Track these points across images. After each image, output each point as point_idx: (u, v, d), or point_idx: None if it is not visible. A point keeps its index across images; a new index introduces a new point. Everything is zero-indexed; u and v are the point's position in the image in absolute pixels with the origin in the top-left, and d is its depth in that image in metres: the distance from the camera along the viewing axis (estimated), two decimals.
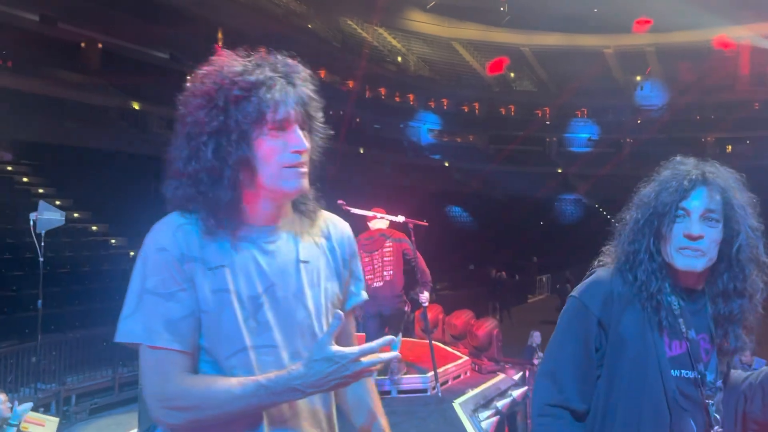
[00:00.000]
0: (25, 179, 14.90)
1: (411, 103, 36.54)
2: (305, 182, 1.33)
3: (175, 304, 1.28)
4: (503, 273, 19.30)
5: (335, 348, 1.23)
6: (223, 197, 1.30)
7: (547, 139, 38.71)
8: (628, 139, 36.56)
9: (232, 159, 1.29)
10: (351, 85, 31.87)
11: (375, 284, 5.36)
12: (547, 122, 38.49)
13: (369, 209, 5.58)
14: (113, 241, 14.71)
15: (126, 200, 15.91)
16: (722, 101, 33.26)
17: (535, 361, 9.12)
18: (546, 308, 18.58)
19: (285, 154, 1.30)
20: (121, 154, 18.09)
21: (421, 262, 5.46)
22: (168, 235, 1.31)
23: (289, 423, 1.35)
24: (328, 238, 1.47)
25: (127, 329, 1.28)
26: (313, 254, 1.41)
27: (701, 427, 1.47)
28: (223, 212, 1.31)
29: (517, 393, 5.79)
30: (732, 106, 32.77)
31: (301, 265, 1.38)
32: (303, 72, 1.36)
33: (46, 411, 7.81)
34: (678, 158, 1.58)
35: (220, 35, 26.78)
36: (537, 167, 35.63)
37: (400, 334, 1.83)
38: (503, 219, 25.98)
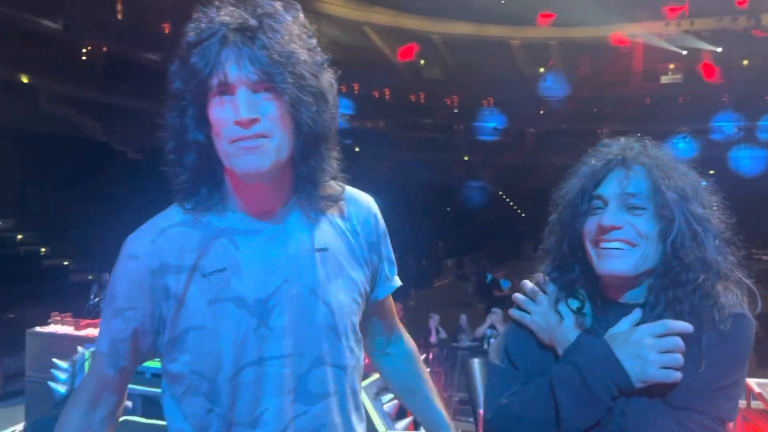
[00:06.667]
0: None
1: None
2: (262, 159, 1.05)
3: (119, 322, 1.15)
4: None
5: None
6: (193, 178, 1.11)
7: (455, 127, 39.51)
8: (530, 129, 37.96)
9: (188, 131, 1.09)
10: None
11: None
12: (455, 110, 39.27)
13: None
14: None
15: (12, 180, 14.86)
16: (617, 95, 35.12)
17: (432, 340, 9.37)
18: (450, 292, 19.07)
19: (229, 125, 1.05)
20: (7, 130, 16.83)
21: None
22: (145, 242, 1.15)
23: None
24: (348, 218, 1.24)
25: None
26: (332, 240, 1.19)
27: None
28: (202, 197, 1.13)
29: None
30: (626, 101, 34.70)
31: (318, 254, 1.17)
32: (279, 20, 1.06)
33: None
34: (606, 140, 1.30)
35: (119, 6, 25.37)
36: (444, 154, 36.32)
37: None
38: (410, 204, 26.35)
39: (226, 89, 1.04)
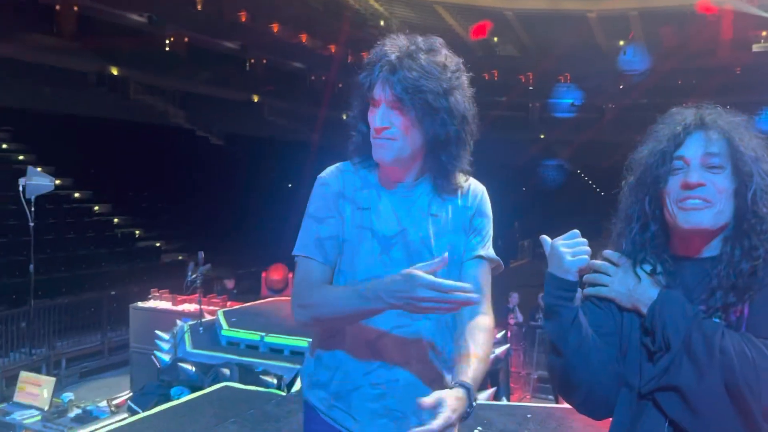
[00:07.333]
0: (4, 146, 14.71)
1: None
2: (387, 154, 1.52)
3: (324, 226, 1.59)
4: None
5: (416, 271, 1.34)
6: (357, 149, 1.62)
7: (530, 105, 38.70)
8: (610, 105, 36.69)
9: (357, 123, 1.61)
10: (333, 50, 31.48)
11: None
12: (530, 88, 38.42)
13: None
14: (96, 208, 14.65)
15: (108, 167, 15.79)
16: (704, 66, 33.38)
17: (511, 321, 9.37)
18: (527, 272, 18.86)
19: (373, 127, 1.54)
20: (101, 120, 17.87)
21: None
22: (333, 175, 1.64)
23: (399, 363, 1.55)
24: (464, 198, 1.65)
25: (295, 245, 1.62)
26: (444, 210, 1.61)
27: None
28: (362, 159, 1.61)
29: (499, 350, 5.99)
30: (713, 72, 32.91)
31: (431, 218, 1.59)
32: (415, 57, 1.49)
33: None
34: (674, 109, 1.41)
35: None
36: (520, 133, 35.70)
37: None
38: (486, 184, 26.05)
39: (374, 103, 1.53)
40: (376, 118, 1.51)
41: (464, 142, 1.58)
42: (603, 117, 36.25)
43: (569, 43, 33.72)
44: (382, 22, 35.71)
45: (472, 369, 1.45)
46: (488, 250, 1.66)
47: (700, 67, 33.61)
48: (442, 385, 1.53)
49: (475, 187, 1.68)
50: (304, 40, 30.59)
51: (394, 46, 1.52)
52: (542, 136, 36.34)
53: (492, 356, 5.88)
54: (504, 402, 5.56)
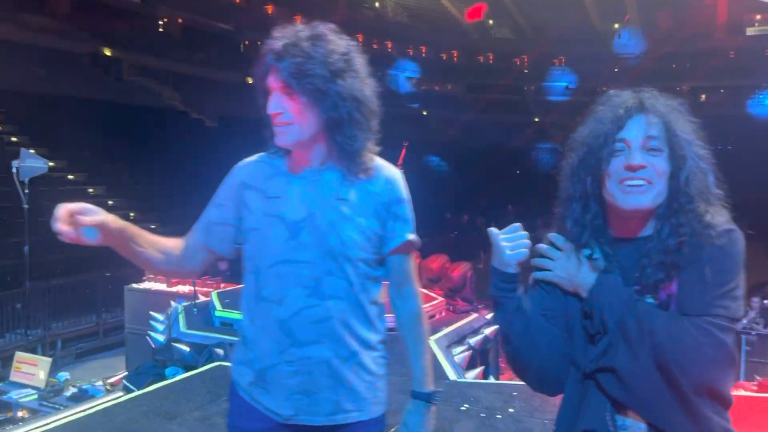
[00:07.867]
0: None
1: (389, 50, 36.06)
2: (285, 138, 1.59)
3: (216, 211, 1.72)
4: (481, 218, 19.69)
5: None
6: (269, 140, 1.66)
7: (525, 88, 38.62)
8: (604, 88, 36.32)
9: (262, 111, 1.62)
10: None
11: None
12: (525, 70, 38.32)
13: None
14: (91, 189, 14.65)
15: (101, 149, 15.76)
16: (699, 50, 33.35)
17: None
18: None
19: (270, 114, 1.60)
20: (95, 102, 17.79)
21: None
22: (241, 166, 1.74)
23: (310, 341, 1.61)
24: (373, 183, 1.67)
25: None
26: (354, 194, 1.64)
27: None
28: (276, 149, 1.67)
29: (488, 331, 6.10)
30: (708, 55, 32.90)
31: (339, 201, 1.63)
32: (299, 46, 1.55)
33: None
34: (612, 91, 1.48)
35: None
36: (514, 116, 35.67)
37: None
38: (480, 168, 26.17)
39: (268, 90, 1.59)
40: (271, 104, 1.57)
41: (360, 123, 1.61)
42: (597, 100, 36.19)
43: (565, 26, 33.60)
44: (377, 4, 35.49)
45: (417, 369, 1.73)
46: (414, 233, 1.74)
47: (695, 50, 33.55)
48: (356, 362, 1.64)
49: (387, 173, 1.70)
50: (298, 22, 30.36)
51: (281, 35, 1.58)
52: (537, 120, 36.32)
53: (481, 336, 6.02)
54: (492, 380, 5.68)
